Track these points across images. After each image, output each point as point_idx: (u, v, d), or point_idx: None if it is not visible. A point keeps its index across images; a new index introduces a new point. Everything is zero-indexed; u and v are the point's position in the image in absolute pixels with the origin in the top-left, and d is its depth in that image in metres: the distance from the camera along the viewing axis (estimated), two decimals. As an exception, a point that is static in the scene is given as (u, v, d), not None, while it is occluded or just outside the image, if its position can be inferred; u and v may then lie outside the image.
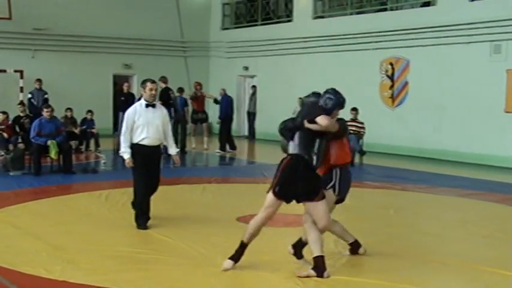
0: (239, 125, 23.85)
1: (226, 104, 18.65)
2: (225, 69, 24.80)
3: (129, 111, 8.28)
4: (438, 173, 14.63)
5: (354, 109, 16.19)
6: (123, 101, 18.22)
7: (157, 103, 8.63)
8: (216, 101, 18.78)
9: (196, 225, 8.49)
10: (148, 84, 8.26)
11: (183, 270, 6.43)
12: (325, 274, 6.14)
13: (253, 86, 23.95)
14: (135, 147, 8.22)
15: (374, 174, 14.21)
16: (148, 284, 6.02)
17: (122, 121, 16.86)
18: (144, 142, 8.21)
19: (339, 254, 7.04)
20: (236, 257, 6.36)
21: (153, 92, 8.29)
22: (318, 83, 21.59)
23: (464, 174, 14.40)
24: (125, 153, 8.22)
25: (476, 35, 16.61)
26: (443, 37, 17.34)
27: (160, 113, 8.40)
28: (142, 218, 8.30)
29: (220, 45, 25.24)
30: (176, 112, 16.99)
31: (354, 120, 16.29)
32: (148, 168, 8.25)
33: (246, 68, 24.31)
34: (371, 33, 19.18)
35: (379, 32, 18.97)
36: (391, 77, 18.93)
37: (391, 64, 18.92)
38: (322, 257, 6.16)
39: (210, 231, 8.06)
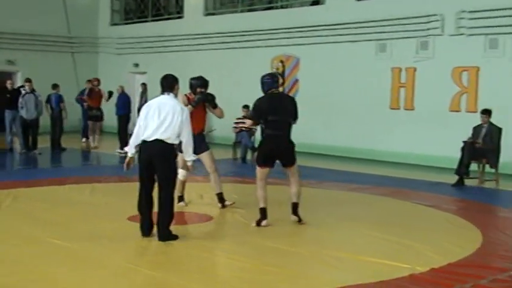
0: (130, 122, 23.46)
1: (124, 101, 18.34)
2: (115, 66, 24.36)
3: None
4: (328, 168, 14.89)
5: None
6: (9, 98, 17.47)
7: None
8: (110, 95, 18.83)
9: (86, 226, 8.22)
10: None
11: (78, 273, 6.17)
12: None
13: (143, 84, 23.59)
14: None
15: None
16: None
17: (11, 119, 16.47)
18: None
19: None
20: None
21: None
22: (209, 80, 21.64)
23: (354, 169, 14.74)
24: None
25: (362, 33, 17.07)
26: (332, 35, 17.71)
27: None
28: None
29: (109, 41, 24.75)
30: (53, 110, 17.82)
31: (245, 117, 16.28)
32: None
33: (136, 65, 23.96)
34: (261, 30, 19.32)
35: (269, 29, 19.15)
36: (281, 75, 19.14)
37: (282, 62, 19.13)
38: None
39: (100, 233, 7.80)
